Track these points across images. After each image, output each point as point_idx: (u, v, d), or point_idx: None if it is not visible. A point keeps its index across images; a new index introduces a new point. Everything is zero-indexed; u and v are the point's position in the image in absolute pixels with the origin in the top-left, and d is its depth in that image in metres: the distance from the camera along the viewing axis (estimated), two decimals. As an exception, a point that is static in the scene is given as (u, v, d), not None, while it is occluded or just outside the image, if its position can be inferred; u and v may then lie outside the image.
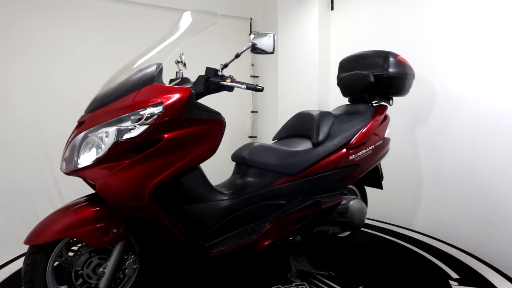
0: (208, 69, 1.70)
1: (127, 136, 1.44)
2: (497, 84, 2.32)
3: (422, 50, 2.78)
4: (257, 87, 1.68)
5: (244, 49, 1.72)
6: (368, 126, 2.22)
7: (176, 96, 1.51)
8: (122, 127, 1.45)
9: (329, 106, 3.54)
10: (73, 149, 1.51)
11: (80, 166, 1.47)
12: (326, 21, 3.51)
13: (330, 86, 3.46)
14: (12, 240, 2.70)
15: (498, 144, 2.30)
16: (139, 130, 1.45)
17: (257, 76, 3.92)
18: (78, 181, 3.45)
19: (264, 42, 1.71)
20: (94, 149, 1.46)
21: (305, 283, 1.97)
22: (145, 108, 1.47)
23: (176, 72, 1.87)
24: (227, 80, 1.66)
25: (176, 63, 1.87)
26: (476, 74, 2.44)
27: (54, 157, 2.96)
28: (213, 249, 1.70)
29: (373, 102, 2.45)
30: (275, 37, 1.74)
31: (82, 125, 1.55)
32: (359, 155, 2.18)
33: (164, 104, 1.48)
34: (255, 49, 1.72)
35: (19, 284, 1.98)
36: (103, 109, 1.53)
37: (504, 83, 2.27)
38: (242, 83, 1.66)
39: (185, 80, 1.83)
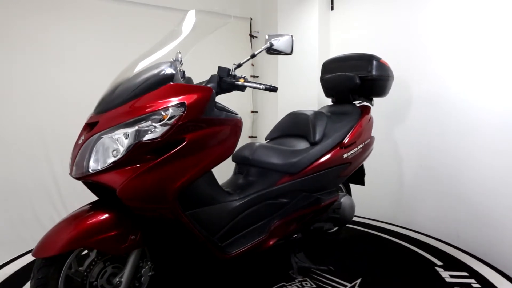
0: (220, 68, 1.66)
1: (148, 137, 1.36)
2: (497, 83, 2.32)
3: (422, 50, 2.78)
4: (271, 87, 1.66)
5: (261, 49, 1.71)
6: (358, 125, 2.31)
7: (198, 96, 1.46)
8: (143, 128, 1.36)
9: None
10: (85, 152, 1.40)
11: (94, 170, 1.38)
12: (326, 21, 3.51)
13: (330, 86, 3.46)
14: (12, 240, 2.71)
15: (498, 143, 2.30)
16: (161, 131, 1.37)
17: (257, 76, 3.92)
18: (78, 182, 3.44)
19: (282, 43, 1.72)
20: (110, 152, 1.37)
21: (307, 279, 2.03)
22: (166, 107, 1.39)
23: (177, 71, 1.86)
24: (241, 80, 1.64)
25: (173, 61, 1.85)
26: (477, 73, 2.44)
27: (54, 157, 2.96)
28: (229, 251, 1.68)
29: (356, 102, 2.54)
30: (293, 38, 1.73)
31: (93, 126, 1.45)
32: (352, 153, 2.26)
33: (187, 103, 1.41)
34: (271, 49, 1.71)
35: (19, 285, 1.99)
36: (118, 109, 1.44)
37: (504, 83, 2.28)
38: (255, 83, 1.65)
39: (188, 80, 1.81)
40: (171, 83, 1.48)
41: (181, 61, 1.72)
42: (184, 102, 1.41)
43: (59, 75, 2.98)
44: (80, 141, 1.47)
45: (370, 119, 2.47)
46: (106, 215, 1.42)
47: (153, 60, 1.60)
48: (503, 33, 2.28)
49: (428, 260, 2.28)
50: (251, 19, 3.99)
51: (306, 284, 1.98)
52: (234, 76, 1.66)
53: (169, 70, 1.50)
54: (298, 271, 2.04)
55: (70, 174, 1.48)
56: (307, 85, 3.50)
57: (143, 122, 1.38)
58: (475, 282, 1.98)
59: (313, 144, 2.11)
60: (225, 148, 1.57)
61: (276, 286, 1.95)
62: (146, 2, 3.33)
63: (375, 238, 2.71)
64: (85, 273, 1.42)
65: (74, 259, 1.42)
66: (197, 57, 2.57)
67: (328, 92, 2.66)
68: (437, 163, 2.71)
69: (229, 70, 1.66)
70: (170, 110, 1.39)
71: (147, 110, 1.39)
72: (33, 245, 2.56)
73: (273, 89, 1.66)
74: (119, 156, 1.35)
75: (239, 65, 1.68)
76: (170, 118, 1.38)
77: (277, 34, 1.72)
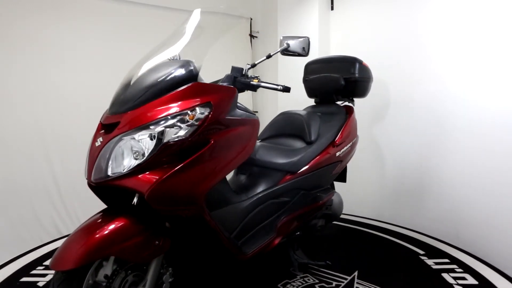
0: (234, 68, 1.66)
1: (175, 138, 1.30)
2: (498, 84, 2.32)
3: (422, 49, 2.78)
4: (285, 87, 1.66)
5: (277, 50, 1.70)
6: (347, 124, 2.38)
7: (223, 96, 1.44)
8: (169, 129, 1.30)
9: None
10: (105, 155, 1.31)
11: (116, 174, 1.29)
12: (326, 21, 3.51)
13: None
14: (12, 241, 2.71)
15: (498, 143, 2.31)
16: (188, 131, 1.31)
17: (257, 76, 3.92)
18: (78, 182, 3.44)
19: (298, 45, 1.71)
20: (134, 154, 1.29)
21: (308, 275, 2.09)
22: (193, 107, 1.34)
23: None
24: (255, 80, 1.64)
25: (170, 59, 1.83)
26: (477, 73, 2.44)
27: (54, 157, 2.96)
28: (246, 251, 1.68)
29: (338, 103, 2.60)
30: (309, 40, 1.73)
31: (112, 126, 1.37)
32: (342, 152, 2.33)
33: (213, 103, 1.38)
34: (287, 51, 1.71)
35: (18, 285, 2.00)
36: (141, 109, 1.35)
37: (505, 83, 2.28)
38: (269, 83, 1.65)
39: (200, 79, 1.80)
40: (196, 82, 1.43)
41: (179, 58, 1.67)
42: (210, 102, 1.37)
43: (59, 75, 2.98)
44: (98, 143, 1.36)
45: (355, 118, 2.56)
46: (126, 222, 1.32)
47: (164, 59, 1.54)
48: (502, 33, 2.28)
49: (412, 251, 2.46)
50: (251, 19, 3.99)
51: (309, 279, 2.04)
52: (248, 76, 1.66)
53: (194, 69, 1.44)
54: (298, 268, 2.10)
55: (88, 179, 1.36)
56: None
57: (169, 122, 1.31)
58: (457, 267, 2.21)
59: (309, 143, 2.15)
60: (245, 149, 1.56)
61: (281, 284, 2.00)
62: (146, 2, 3.33)
63: (361, 233, 2.84)
64: (106, 284, 1.32)
65: (93, 270, 1.33)
66: (196, 56, 2.56)
67: (311, 92, 2.72)
68: (437, 163, 2.71)
69: (242, 69, 1.65)
70: (197, 110, 1.34)
71: (172, 110, 1.33)
72: (33, 245, 2.58)
73: (286, 89, 1.67)
74: (144, 159, 1.28)
75: (253, 65, 1.66)
76: (196, 119, 1.34)
77: (293, 36, 1.72)
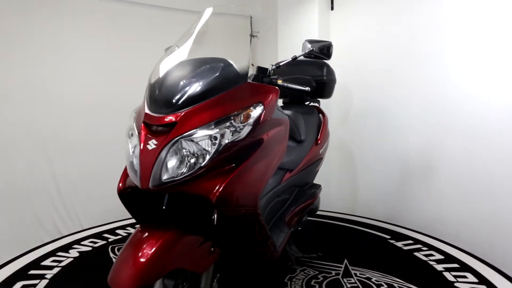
0: (259, 68, 1.67)
1: (233, 138, 1.26)
2: (501, 82, 2.32)
3: (422, 49, 2.78)
4: (305, 88, 1.68)
5: (302, 53, 1.72)
6: (324, 123, 2.48)
7: (272, 95, 1.44)
8: (228, 129, 1.26)
9: (330, 106, 3.54)
10: (164, 158, 1.21)
11: (175, 178, 1.21)
12: (326, 21, 3.51)
13: (330, 86, 3.46)
14: (12, 241, 2.71)
15: (498, 143, 2.31)
16: (244, 131, 1.29)
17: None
18: (78, 182, 3.44)
19: (322, 48, 1.74)
20: (195, 157, 1.23)
21: (305, 268, 2.21)
22: (248, 107, 1.33)
23: None
24: (279, 81, 1.65)
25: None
26: (478, 71, 2.44)
27: (54, 157, 2.96)
28: (278, 250, 1.68)
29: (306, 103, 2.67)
30: (332, 44, 1.77)
31: (164, 127, 1.27)
32: (323, 149, 2.45)
33: (264, 103, 1.38)
34: (312, 53, 1.73)
35: (18, 285, 1.99)
36: (197, 109, 1.27)
37: (504, 81, 2.28)
38: (291, 84, 1.65)
39: None
40: (248, 81, 1.43)
41: None
42: (261, 102, 1.37)
43: (59, 75, 2.99)
44: (152, 146, 1.24)
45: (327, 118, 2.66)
46: (180, 233, 1.26)
47: (206, 56, 1.49)
48: (502, 34, 2.29)
49: (380, 237, 2.76)
50: (251, 17, 3.99)
51: (309, 272, 2.16)
52: (272, 76, 1.66)
53: (245, 68, 1.43)
54: (295, 262, 2.20)
55: (143, 186, 1.23)
56: (307, 85, 3.50)
57: (227, 123, 1.26)
58: (422, 246, 2.52)
59: (299, 142, 2.20)
60: (282, 148, 1.57)
61: (286, 278, 2.07)
62: (146, 2, 3.34)
63: (336, 226, 3.06)
64: None
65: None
66: (196, 55, 2.56)
67: (283, 92, 2.76)
68: (438, 163, 2.71)
69: (267, 70, 1.65)
70: (252, 109, 1.33)
71: (229, 109, 1.29)
72: (33, 245, 2.58)
73: (306, 90, 1.70)
74: (206, 161, 1.22)
75: (278, 66, 1.67)
76: (251, 118, 1.32)
77: (317, 40, 1.76)
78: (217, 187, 1.24)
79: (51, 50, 2.95)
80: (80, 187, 3.10)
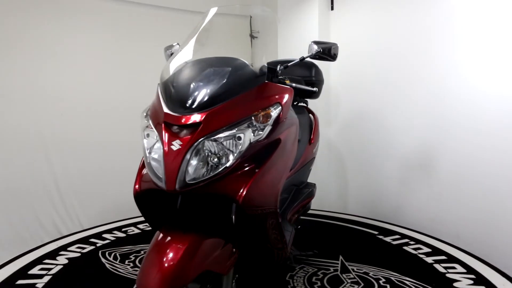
0: (268, 68, 1.68)
1: (256, 138, 1.28)
2: (502, 82, 2.32)
3: (422, 49, 2.78)
4: (313, 89, 1.70)
5: (309, 54, 1.73)
6: (316, 124, 2.51)
7: (289, 95, 1.46)
8: (251, 129, 1.27)
9: (330, 106, 3.54)
10: (189, 159, 1.20)
11: (201, 179, 1.21)
12: (326, 21, 3.51)
13: (330, 85, 3.46)
14: (12, 241, 2.71)
15: (497, 143, 2.31)
16: (265, 131, 1.31)
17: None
18: (78, 182, 3.43)
19: (328, 50, 1.75)
20: (220, 157, 1.23)
21: (304, 265, 2.24)
22: (268, 107, 1.35)
23: None
24: (287, 81, 1.67)
25: (169, 55, 1.78)
26: (480, 70, 2.44)
27: (54, 157, 2.96)
28: (288, 249, 1.69)
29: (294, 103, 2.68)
30: (338, 46, 1.78)
31: (187, 127, 1.25)
32: (316, 149, 2.48)
33: (282, 103, 1.40)
34: (319, 54, 1.74)
35: (18, 285, 1.99)
36: (219, 109, 1.27)
37: (504, 82, 2.28)
38: (300, 84, 1.67)
39: None
40: (266, 81, 1.45)
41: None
42: (279, 102, 1.39)
43: (59, 75, 2.99)
44: (177, 147, 1.21)
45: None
46: (201, 236, 1.26)
47: (225, 56, 1.51)
48: (502, 34, 2.29)
49: (370, 233, 2.82)
50: (251, 17, 3.99)
51: (308, 269, 2.18)
52: (281, 76, 1.67)
53: (263, 68, 1.44)
54: (294, 260, 2.24)
55: (169, 188, 1.20)
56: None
57: (249, 123, 1.28)
58: (409, 240, 2.61)
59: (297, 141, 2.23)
60: (295, 148, 1.60)
61: (287, 277, 2.09)
62: (146, 2, 3.34)
63: (325, 224, 3.10)
64: None
65: None
66: (197, 57, 2.56)
67: None
68: (437, 163, 2.71)
69: (275, 70, 1.65)
70: (272, 109, 1.35)
71: (250, 109, 1.31)
72: (33, 244, 2.58)
73: (313, 90, 1.73)
74: (231, 162, 1.23)
75: (285, 66, 1.67)
76: (271, 119, 1.33)
77: (323, 41, 1.77)
78: (242, 188, 1.25)
79: (51, 50, 2.95)
80: (80, 187, 3.10)
